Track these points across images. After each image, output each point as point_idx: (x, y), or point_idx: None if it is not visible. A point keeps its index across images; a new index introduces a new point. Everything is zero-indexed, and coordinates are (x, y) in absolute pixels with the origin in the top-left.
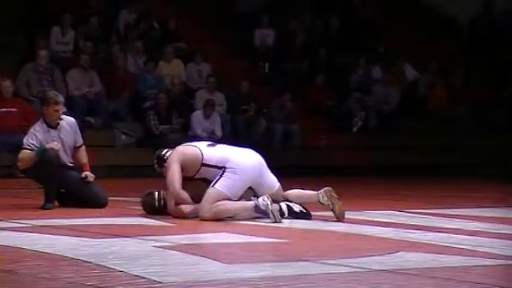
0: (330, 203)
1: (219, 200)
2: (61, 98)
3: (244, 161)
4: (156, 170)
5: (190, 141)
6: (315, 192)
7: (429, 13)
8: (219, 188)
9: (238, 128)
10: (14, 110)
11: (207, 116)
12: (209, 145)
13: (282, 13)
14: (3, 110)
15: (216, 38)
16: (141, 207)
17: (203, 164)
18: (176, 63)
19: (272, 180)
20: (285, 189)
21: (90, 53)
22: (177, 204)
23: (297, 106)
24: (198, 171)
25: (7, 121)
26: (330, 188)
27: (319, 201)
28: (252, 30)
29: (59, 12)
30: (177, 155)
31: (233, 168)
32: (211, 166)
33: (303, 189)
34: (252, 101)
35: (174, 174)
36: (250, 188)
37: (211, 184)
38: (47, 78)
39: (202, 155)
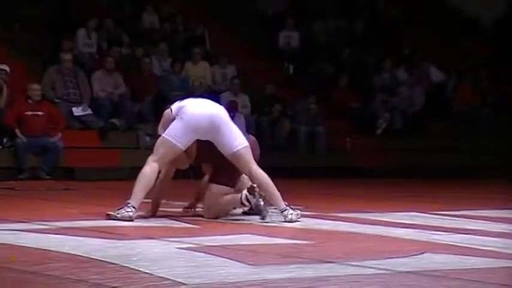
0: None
1: (165, 148)
2: None
3: (193, 109)
4: None
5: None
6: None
7: (453, 14)
8: (163, 135)
9: (263, 130)
10: (40, 113)
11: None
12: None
13: (306, 15)
14: (30, 113)
15: (241, 40)
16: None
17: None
18: (203, 65)
19: (231, 141)
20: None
21: (115, 56)
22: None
23: (321, 108)
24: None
25: (34, 124)
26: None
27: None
28: (276, 32)
29: (84, 15)
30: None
31: (181, 115)
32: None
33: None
34: (276, 103)
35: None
36: (203, 142)
37: None
38: (71, 80)
39: (171, 109)
